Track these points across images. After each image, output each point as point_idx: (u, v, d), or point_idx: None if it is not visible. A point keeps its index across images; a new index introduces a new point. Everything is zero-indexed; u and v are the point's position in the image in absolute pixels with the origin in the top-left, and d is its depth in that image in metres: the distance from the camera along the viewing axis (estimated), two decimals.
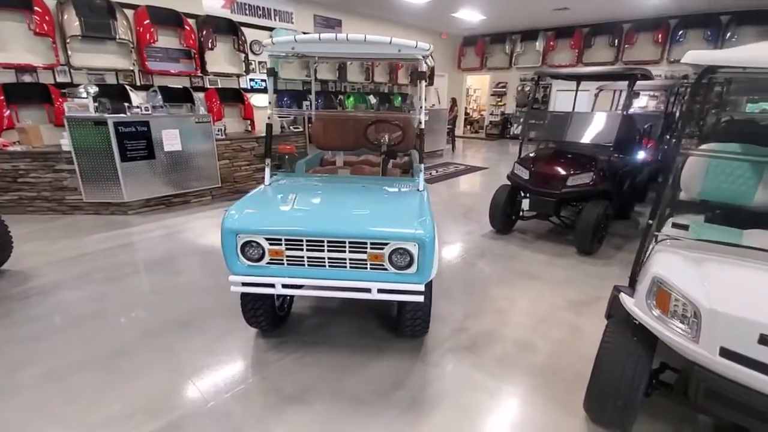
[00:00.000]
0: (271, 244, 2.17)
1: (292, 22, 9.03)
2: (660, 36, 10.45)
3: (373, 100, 11.20)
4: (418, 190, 2.65)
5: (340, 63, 10.08)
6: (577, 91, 5.29)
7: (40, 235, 4.50)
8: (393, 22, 11.29)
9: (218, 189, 5.98)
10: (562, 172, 4.08)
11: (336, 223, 2.17)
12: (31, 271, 3.62)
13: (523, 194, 4.54)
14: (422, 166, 2.68)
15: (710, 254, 1.86)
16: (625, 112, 4.13)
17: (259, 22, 8.40)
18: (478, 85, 15.79)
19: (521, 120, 10.87)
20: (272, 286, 2.23)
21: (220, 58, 7.78)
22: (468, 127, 15.90)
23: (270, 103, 2.76)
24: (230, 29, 7.71)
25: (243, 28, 7.90)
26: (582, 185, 4.00)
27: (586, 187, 3.99)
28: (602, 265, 3.95)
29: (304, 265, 2.21)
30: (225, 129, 6.17)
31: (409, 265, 2.15)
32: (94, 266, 3.76)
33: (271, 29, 8.54)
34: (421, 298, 2.19)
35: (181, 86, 7.05)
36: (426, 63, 2.64)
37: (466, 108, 15.52)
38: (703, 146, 2.84)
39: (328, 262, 2.19)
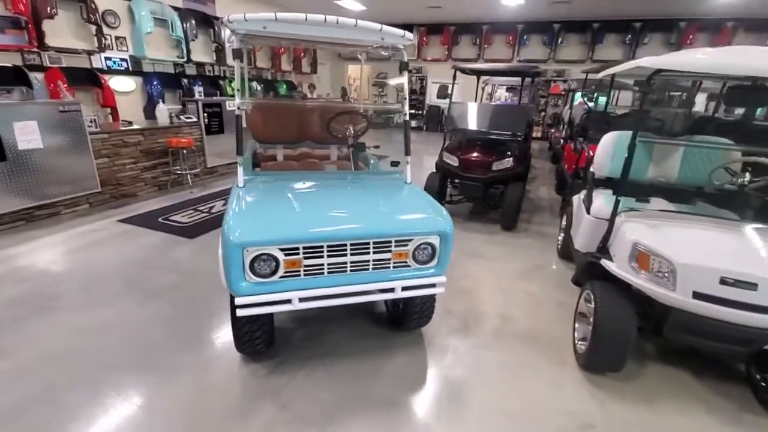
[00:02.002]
0: (286, 255, 1.91)
1: None
2: (511, 38, 12.25)
3: (257, 86, 10.40)
4: (405, 182, 2.64)
5: (218, 45, 9.04)
6: (477, 85, 5.87)
7: None
8: (270, 3, 10.55)
9: (98, 195, 4.81)
10: (488, 158, 4.53)
11: (360, 223, 2.02)
12: None
13: (451, 180, 4.89)
14: (408, 158, 2.66)
15: (663, 221, 2.37)
16: (532, 104, 4.77)
17: None
18: (357, 74, 16.00)
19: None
20: (288, 302, 1.97)
21: (63, 30, 6.17)
22: None
23: (237, 90, 2.36)
24: None
25: None
26: (505, 170, 4.52)
27: (507, 171, 4.52)
28: (524, 237, 4.57)
29: (323, 273, 2.01)
30: (99, 119, 4.96)
31: (431, 258, 2.16)
32: None
33: None
34: (443, 290, 2.22)
35: (10, 64, 5.39)
36: (405, 53, 2.61)
37: (348, 97, 15.60)
38: (607, 135, 3.47)
39: (350, 267, 2.04)
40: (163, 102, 6.62)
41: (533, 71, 4.94)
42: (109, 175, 4.89)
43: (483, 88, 7.51)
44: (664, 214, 2.49)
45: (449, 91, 4.66)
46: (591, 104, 5.79)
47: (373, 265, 2.08)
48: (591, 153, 3.86)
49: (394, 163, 2.72)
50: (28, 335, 2.55)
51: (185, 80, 8.35)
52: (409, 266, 2.14)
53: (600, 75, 3.81)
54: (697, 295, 2.01)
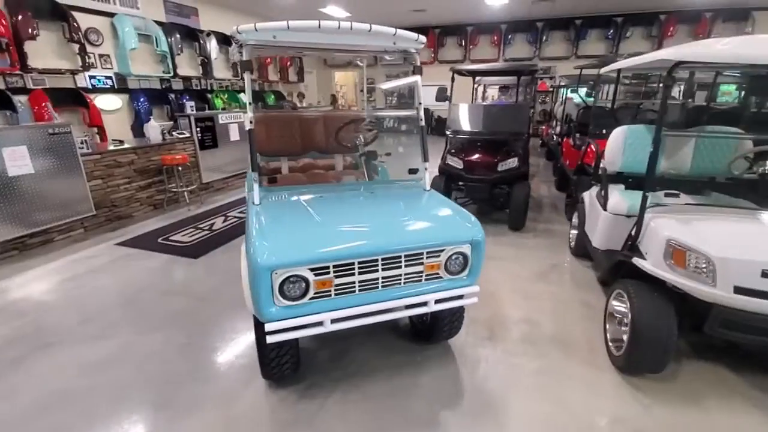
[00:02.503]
0: (316, 275, 1.80)
1: (138, 8, 7.49)
2: (496, 38, 12.34)
3: (244, 98, 10.24)
4: (425, 189, 2.56)
5: (203, 58, 8.87)
6: (474, 86, 5.83)
7: None
8: (256, 14, 10.45)
9: (92, 218, 4.62)
10: (493, 159, 4.48)
11: (390, 236, 1.93)
12: None
13: (456, 183, 4.82)
14: (426, 164, 2.58)
15: (692, 215, 2.32)
16: (533, 104, 4.74)
17: (94, 5, 6.70)
18: (344, 81, 15.97)
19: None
20: (319, 324, 1.86)
21: (46, 51, 5.97)
22: None
23: (249, 103, 2.25)
24: (57, 14, 5.97)
25: (74, 13, 6.20)
26: (510, 169, 4.47)
27: (513, 171, 4.48)
28: (533, 237, 4.52)
29: (354, 291, 1.91)
30: (90, 140, 4.78)
31: (463, 268, 2.07)
32: None
33: (111, 15, 6.92)
34: (476, 299, 2.13)
35: None
36: (418, 56, 2.54)
37: (338, 105, 15.54)
38: (617, 129, 3.43)
39: (382, 283, 1.94)
40: (152, 118, 6.44)
41: (531, 69, 4.92)
42: (103, 197, 4.71)
43: (476, 89, 7.50)
44: (690, 207, 2.45)
45: (448, 93, 4.58)
46: (590, 100, 5.81)
47: (405, 279, 1.98)
48: (597, 149, 3.84)
49: (412, 171, 2.63)
50: (29, 375, 2.38)
51: (172, 95, 8.17)
52: (441, 278, 2.05)
53: (605, 69, 3.79)
54: (738, 290, 1.96)
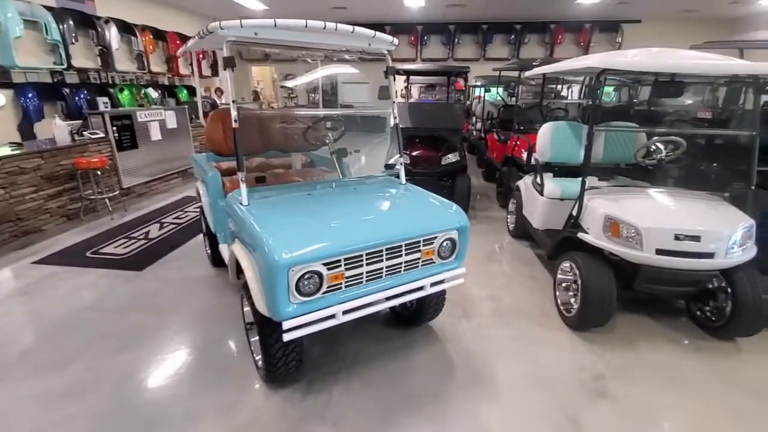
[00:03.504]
0: (329, 269, 1.86)
1: None
2: (413, 38, 12.92)
3: (153, 93, 9.35)
4: (401, 183, 2.73)
5: (102, 48, 7.85)
6: (408, 85, 6.13)
7: None
8: (162, 3, 9.55)
9: None
10: (438, 153, 4.81)
11: (393, 227, 2.06)
12: None
13: None
14: (401, 159, 2.74)
15: (617, 195, 2.83)
16: (469, 102, 5.17)
17: None
18: (260, 76, 15.31)
19: None
20: (332, 317, 1.93)
21: None
22: None
23: (233, 102, 2.17)
24: None
25: None
26: (453, 163, 4.84)
27: (455, 164, 4.86)
28: (477, 223, 4.96)
29: (362, 282, 2.01)
30: None
31: (452, 252, 2.29)
32: None
33: None
34: (462, 280, 2.37)
35: None
36: (390, 57, 2.68)
37: (262, 101, 14.84)
38: (545, 125, 3.96)
39: (385, 271, 2.06)
40: (43, 117, 5.54)
41: (463, 70, 5.36)
42: (6, 209, 4.00)
43: (406, 87, 7.84)
44: (615, 189, 2.98)
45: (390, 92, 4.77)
46: (512, 100, 6.47)
47: (405, 266, 2.13)
48: (529, 142, 4.36)
49: (389, 166, 2.77)
50: None
51: (67, 90, 7.13)
52: (434, 263, 2.24)
53: (530, 73, 4.32)
54: (659, 251, 2.48)
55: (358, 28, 2.29)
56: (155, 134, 6.10)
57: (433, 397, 2.21)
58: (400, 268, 2.12)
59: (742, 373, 2.42)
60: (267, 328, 2.01)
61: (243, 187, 2.20)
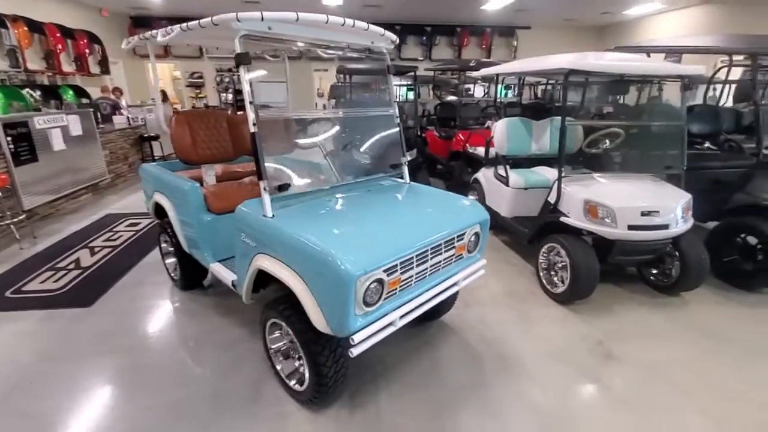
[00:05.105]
0: (389, 275, 1.81)
1: None
2: None
3: (32, 95, 7.80)
4: (407, 183, 2.74)
5: None
6: (351, 83, 6.10)
7: None
8: None
9: None
10: None
11: (433, 226, 2.08)
12: None
13: None
14: (406, 158, 2.73)
15: (587, 181, 3.21)
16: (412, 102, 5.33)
17: None
18: (159, 74, 13.68)
19: None
20: (390, 324, 1.89)
21: None
22: None
23: (250, 103, 1.94)
24: None
25: None
26: (413, 160, 4.96)
27: (415, 161, 4.99)
28: None
29: (411, 284, 1.99)
30: None
31: (476, 245, 2.39)
32: None
33: None
34: (483, 271, 2.48)
35: None
36: (389, 57, 2.67)
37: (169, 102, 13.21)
38: (501, 121, 4.29)
39: (430, 270, 2.08)
40: None
41: (411, 68, 5.50)
42: None
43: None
44: (578, 177, 3.36)
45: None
46: (453, 98, 6.82)
47: (443, 263, 2.16)
48: (473, 138, 4.66)
49: (394, 166, 2.75)
50: None
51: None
52: (462, 257, 2.31)
53: (484, 72, 4.61)
54: (630, 227, 2.89)
55: (372, 26, 2.24)
56: (58, 143, 5.12)
57: (474, 386, 2.29)
58: (439, 265, 2.14)
59: (699, 320, 2.96)
60: (316, 345, 1.88)
61: (266, 197, 2.00)
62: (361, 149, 2.87)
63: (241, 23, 1.84)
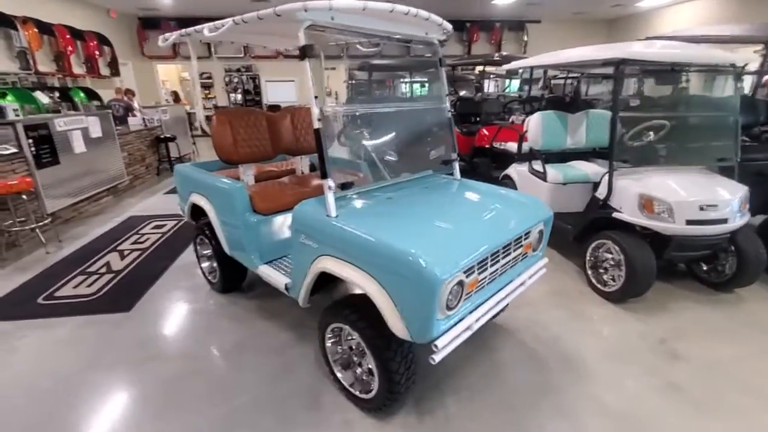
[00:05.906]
0: (467, 276, 1.71)
1: None
2: None
3: (44, 99, 7.71)
4: (457, 179, 2.63)
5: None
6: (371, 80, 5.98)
7: None
8: None
9: None
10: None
11: (504, 225, 1.98)
12: None
13: None
14: (455, 155, 2.63)
15: (640, 175, 3.09)
16: None
17: None
18: (165, 75, 13.60)
19: None
20: (467, 328, 1.78)
21: None
22: None
23: (315, 97, 1.84)
24: None
25: None
26: None
27: None
28: None
29: (484, 285, 1.89)
30: None
31: (539, 243, 2.29)
32: None
33: None
34: (545, 270, 2.37)
35: None
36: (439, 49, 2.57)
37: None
38: (534, 115, 4.18)
39: (501, 270, 1.98)
40: None
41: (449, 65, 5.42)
42: None
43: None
44: (632, 170, 3.24)
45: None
46: (480, 94, 6.70)
47: (511, 263, 2.06)
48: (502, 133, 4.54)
49: (446, 162, 2.64)
50: None
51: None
52: (527, 256, 2.21)
53: (514, 65, 4.50)
54: (689, 222, 2.78)
55: (433, 16, 2.14)
56: (78, 145, 5.02)
57: (543, 389, 2.19)
58: (508, 265, 2.04)
59: (759, 317, 2.85)
60: (388, 351, 1.79)
61: (330, 196, 1.90)
62: (414, 145, 2.77)
63: (308, 13, 1.73)
